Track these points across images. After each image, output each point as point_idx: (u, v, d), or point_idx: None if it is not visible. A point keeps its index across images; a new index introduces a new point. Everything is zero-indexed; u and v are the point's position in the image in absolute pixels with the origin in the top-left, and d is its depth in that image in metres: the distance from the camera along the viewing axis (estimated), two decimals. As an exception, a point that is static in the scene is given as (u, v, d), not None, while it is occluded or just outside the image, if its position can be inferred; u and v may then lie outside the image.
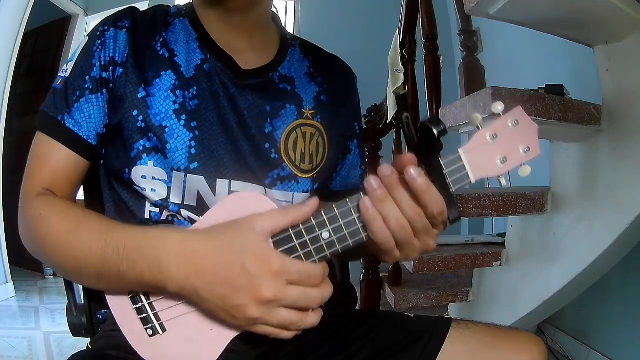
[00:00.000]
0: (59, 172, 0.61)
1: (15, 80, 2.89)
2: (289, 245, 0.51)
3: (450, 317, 0.68)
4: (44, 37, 3.58)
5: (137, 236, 0.51)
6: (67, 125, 0.61)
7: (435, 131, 0.47)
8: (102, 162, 0.66)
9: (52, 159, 0.61)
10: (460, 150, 0.49)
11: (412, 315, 0.70)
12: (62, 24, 3.50)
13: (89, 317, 0.73)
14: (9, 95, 2.80)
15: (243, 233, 0.49)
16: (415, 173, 0.46)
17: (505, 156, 0.49)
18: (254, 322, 0.49)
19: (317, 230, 0.51)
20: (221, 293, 0.49)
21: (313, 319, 0.51)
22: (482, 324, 0.66)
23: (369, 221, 0.49)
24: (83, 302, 0.74)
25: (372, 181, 0.48)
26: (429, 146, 0.48)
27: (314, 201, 0.51)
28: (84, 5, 3.52)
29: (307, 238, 0.51)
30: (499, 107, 0.49)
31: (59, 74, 0.64)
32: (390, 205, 0.48)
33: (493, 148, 0.49)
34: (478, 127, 0.50)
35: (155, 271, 0.49)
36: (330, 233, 0.51)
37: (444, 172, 0.49)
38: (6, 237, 2.80)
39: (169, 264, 0.49)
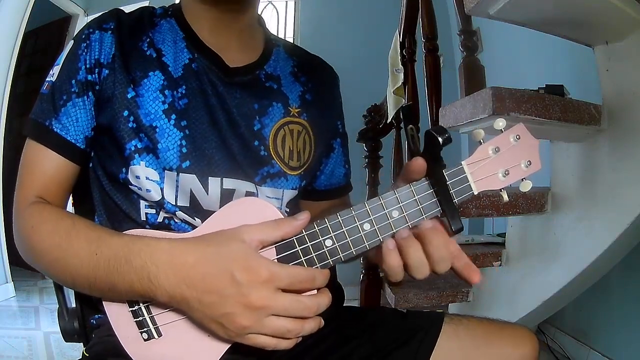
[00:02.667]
0: (49, 178, 0.61)
1: (15, 80, 2.90)
2: (291, 251, 0.51)
3: (443, 312, 0.69)
4: (44, 37, 3.59)
5: (126, 246, 0.51)
6: (55, 130, 0.61)
7: (440, 139, 0.47)
8: (91, 166, 0.65)
9: (42, 165, 0.61)
10: (463, 163, 0.50)
11: (405, 311, 0.70)
12: (62, 24, 3.50)
13: (82, 322, 0.71)
14: (9, 95, 2.81)
15: (231, 243, 0.49)
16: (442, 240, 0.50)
17: (507, 169, 0.50)
18: (245, 331, 0.48)
19: (319, 236, 0.51)
20: (210, 302, 0.48)
21: (311, 324, 0.50)
22: (475, 318, 0.67)
23: (386, 256, 0.50)
24: (74, 305, 0.72)
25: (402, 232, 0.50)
26: (433, 157, 0.49)
27: (306, 215, 0.51)
28: (84, 5, 3.52)
29: (309, 244, 0.51)
30: (500, 123, 0.50)
31: (46, 79, 0.63)
32: (414, 248, 0.50)
33: (495, 161, 0.50)
34: (480, 142, 0.50)
35: (144, 281, 0.49)
36: (333, 240, 0.50)
37: (447, 182, 0.49)
38: (6, 237, 2.80)
39: (157, 273, 0.49)
